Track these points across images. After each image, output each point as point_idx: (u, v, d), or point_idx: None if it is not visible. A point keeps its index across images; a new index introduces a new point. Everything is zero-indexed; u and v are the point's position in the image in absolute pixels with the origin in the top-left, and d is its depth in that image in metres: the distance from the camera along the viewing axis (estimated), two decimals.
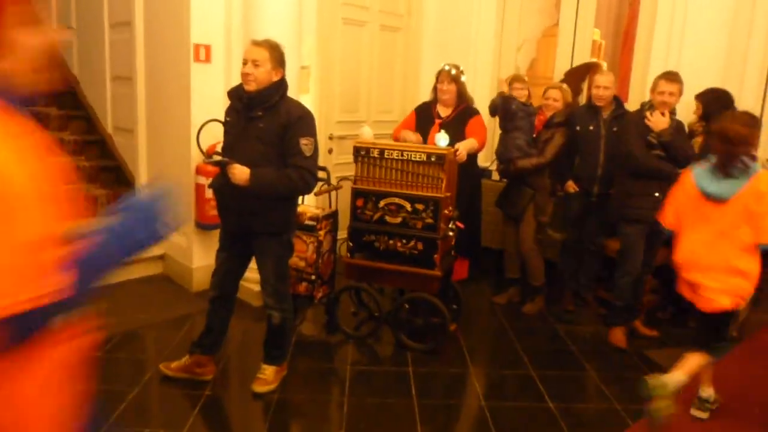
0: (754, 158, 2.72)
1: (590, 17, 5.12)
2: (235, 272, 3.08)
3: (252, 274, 3.24)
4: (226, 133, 2.97)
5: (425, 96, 4.30)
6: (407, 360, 3.47)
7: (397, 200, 3.46)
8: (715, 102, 3.73)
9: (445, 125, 3.81)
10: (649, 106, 3.68)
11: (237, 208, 2.85)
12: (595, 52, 5.49)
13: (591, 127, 4.06)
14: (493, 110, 4.20)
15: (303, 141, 2.78)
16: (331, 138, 5.03)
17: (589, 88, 4.29)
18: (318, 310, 3.93)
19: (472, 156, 3.96)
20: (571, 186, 4.18)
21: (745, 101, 4.16)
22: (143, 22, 4.59)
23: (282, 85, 2.82)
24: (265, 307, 3.05)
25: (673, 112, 3.64)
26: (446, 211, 3.45)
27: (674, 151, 3.56)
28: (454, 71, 3.90)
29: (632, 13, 5.60)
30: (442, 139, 3.46)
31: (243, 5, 4.01)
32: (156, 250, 4.66)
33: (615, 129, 3.96)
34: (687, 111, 3.91)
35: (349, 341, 3.70)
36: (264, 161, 2.77)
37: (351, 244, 3.61)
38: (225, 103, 2.94)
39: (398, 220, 3.47)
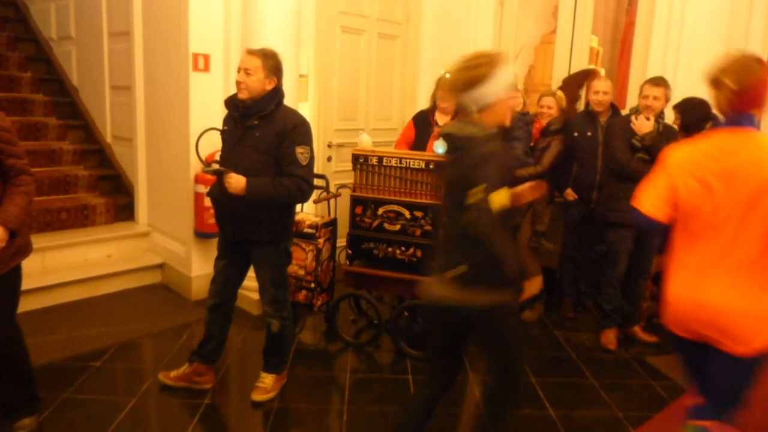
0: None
1: (588, 24, 5.14)
2: (233, 280, 3.07)
3: (251, 282, 3.24)
4: (223, 141, 2.98)
5: (423, 104, 4.31)
6: (407, 368, 3.47)
7: (395, 207, 3.46)
8: (693, 111, 3.71)
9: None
10: (635, 110, 3.71)
11: (234, 217, 2.85)
12: (593, 59, 5.52)
13: (589, 134, 4.07)
14: None
15: (299, 150, 2.78)
16: (330, 146, 5.04)
17: (587, 95, 4.31)
18: (317, 318, 3.93)
19: None
20: (570, 194, 4.18)
21: None
22: (142, 31, 4.62)
23: (277, 93, 2.82)
24: (265, 315, 3.05)
25: (661, 117, 3.66)
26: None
27: (657, 154, 3.56)
28: None
29: (629, 19, 5.62)
30: (440, 146, 3.46)
31: (242, 14, 4.02)
32: (155, 259, 4.67)
33: None
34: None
35: (348, 349, 3.69)
36: (260, 170, 2.77)
37: (350, 251, 3.61)
38: (223, 111, 2.94)
39: (397, 227, 3.47)
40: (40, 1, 6.29)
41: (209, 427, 2.86)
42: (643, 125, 3.60)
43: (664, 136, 3.60)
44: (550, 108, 4.17)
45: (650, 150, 3.57)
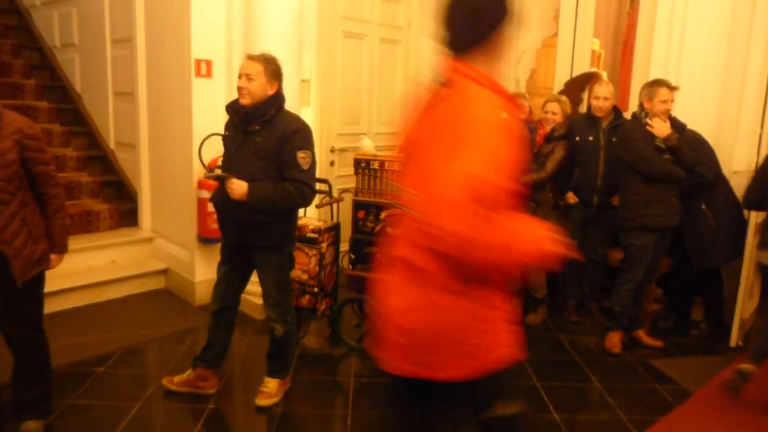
0: None
1: (589, 27, 5.15)
2: (236, 285, 3.08)
3: (254, 287, 3.24)
4: (225, 147, 2.98)
5: None
6: None
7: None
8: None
9: None
10: (645, 113, 3.67)
11: (236, 222, 2.85)
12: (595, 62, 5.51)
13: (590, 138, 4.06)
14: None
15: (300, 154, 2.78)
16: (332, 150, 5.05)
17: (589, 98, 4.30)
18: (321, 322, 3.93)
19: None
20: (571, 197, 4.18)
21: (746, 108, 4.17)
22: (145, 38, 4.64)
23: (278, 98, 2.83)
24: (268, 320, 3.05)
25: (669, 119, 3.66)
26: None
27: (682, 155, 3.56)
28: None
29: (631, 22, 5.62)
30: None
31: (244, 20, 4.04)
32: (158, 265, 4.68)
33: (614, 139, 3.97)
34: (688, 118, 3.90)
35: (352, 353, 3.69)
36: (262, 175, 2.78)
37: (352, 255, 3.61)
38: (226, 117, 2.95)
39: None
40: (44, 9, 6.33)
41: (213, 431, 2.87)
42: (663, 128, 3.57)
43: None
44: (555, 114, 4.15)
45: (676, 150, 3.56)
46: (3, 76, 5.81)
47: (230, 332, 3.14)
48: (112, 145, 5.45)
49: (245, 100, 2.77)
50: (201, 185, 4.13)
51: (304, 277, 3.61)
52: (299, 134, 2.81)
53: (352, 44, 5.11)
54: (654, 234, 3.68)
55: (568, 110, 4.25)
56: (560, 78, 5.23)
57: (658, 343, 3.93)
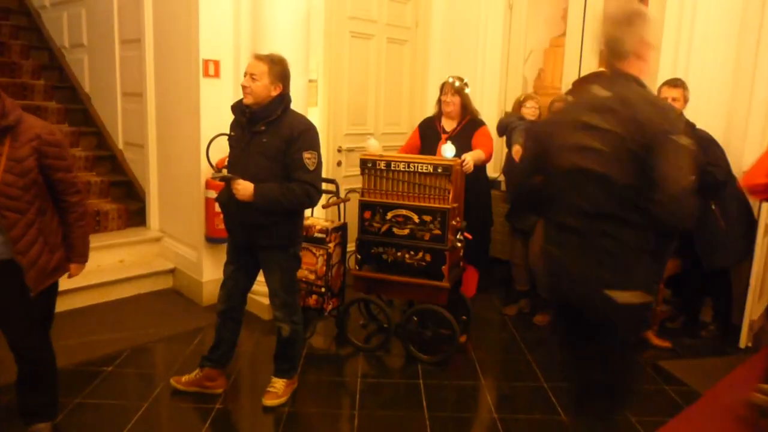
0: None
1: (597, 27, 5.11)
2: (242, 285, 3.08)
3: (261, 287, 3.25)
4: (231, 147, 2.99)
5: (432, 108, 4.31)
6: (418, 372, 3.46)
7: (404, 212, 3.46)
8: None
9: (452, 139, 3.81)
10: None
11: (242, 222, 2.86)
12: (603, 62, 5.48)
13: None
14: (502, 130, 4.19)
15: (306, 155, 2.79)
16: (339, 151, 5.05)
17: None
18: (328, 322, 3.93)
19: (481, 167, 3.95)
20: None
21: (755, 107, 4.13)
22: (153, 38, 4.66)
23: (284, 99, 2.83)
24: (275, 320, 3.05)
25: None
26: (454, 222, 3.44)
27: None
28: (457, 83, 3.90)
29: None
30: (448, 150, 3.46)
31: (251, 20, 4.05)
32: (166, 264, 4.70)
33: None
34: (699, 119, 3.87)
35: (359, 354, 3.69)
36: (268, 175, 2.78)
37: (359, 256, 3.61)
38: (233, 117, 2.96)
39: (406, 231, 3.47)
40: (53, 10, 6.37)
41: (220, 431, 2.87)
42: None
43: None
44: None
45: None
46: (13, 76, 5.87)
47: (237, 332, 3.15)
48: (120, 145, 5.48)
49: (248, 100, 2.78)
50: (209, 185, 4.15)
51: (312, 277, 3.62)
52: (305, 135, 2.81)
53: (360, 44, 5.11)
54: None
55: None
56: (568, 78, 5.20)
57: (667, 344, 3.91)
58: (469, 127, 3.93)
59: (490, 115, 4.37)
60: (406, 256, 3.49)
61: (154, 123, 4.80)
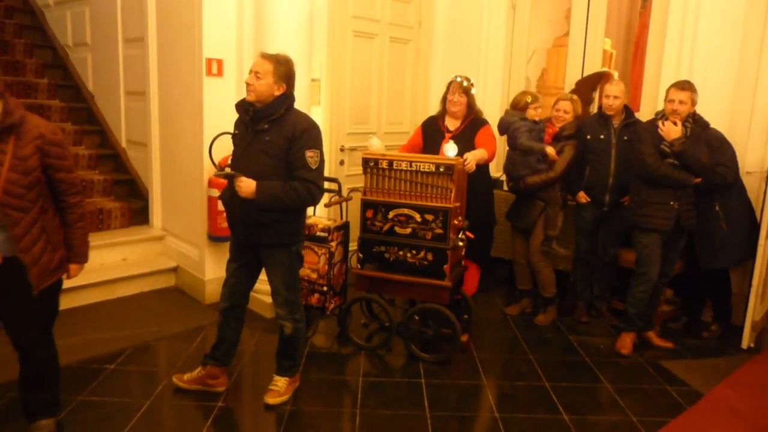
0: None
1: (601, 27, 5.11)
2: (245, 283, 3.09)
3: (263, 285, 3.25)
4: (234, 146, 2.99)
5: (435, 107, 4.31)
6: (419, 371, 3.46)
7: (406, 211, 3.46)
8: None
9: (456, 138, 3.81)
10: (662, 115, 3.64)
11: (245, 220, 2.86)
12: (606, 62, 5.48)
13: (602, 137, 4.04)
14: (503, 129, 4.19)
15: (309, 153, 2.79)
16: (342, 150, 5.06)
17: (600, 98, 4.27)
18: (330, 321, 3.94)
19: (484, 166, 3.95)
20: (583, 196, 4.16)
21: (758, 109, 4.13)
22: (156, 37, 4.67)
23: (287, 98, 2.84)
24: (277, 318, 3.05)
25: (687, 121, 3.58)
26: (456, 221, 3.44)
27: (687, 160, 3.52)
28: (465, 83, 3.90)
29: (643, 22, 5.58)
30: (450, 149, 3.46)
31: (255, 19, 4.05)
32: (169, 263, 4.71)
33: (626, 138, 3.94)
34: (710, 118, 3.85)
35: (360, 352, 3.70)
36: (271, 174, 2.78)
37: (361, 255, 3.61)
38: (236, 116, 2.96)
39: (408, 230, 3.47)
40: (57, 9, 6.39)
41: (222, 429, 2.87)
42: (671, 131, 3.51)
43: (692, 138, 3.55)
44: (566, 113, 4.13)
45: (680, 156, 3.52)
46: (17, 74, 5.88)
47: (239, 330, 3.15)
48: (123, 143, 5.49)
49: (250, 97, 2.79)
50: (211, 184, 4.15)
51: (314, 275, 3.62)
52: (308, 133, 2.82)
53: (362, 43, 5.11)
54: (654, 234, 3.66)
55: (579, 110, 4.22)
56: (571, 78, 5.20)
57: (669, 345, 3.90)
58: (472, 126, 3.93)
59: (492, 114, 4.37)
60: (408, 255, 3.49)
61: (157, 121, 4.81)
